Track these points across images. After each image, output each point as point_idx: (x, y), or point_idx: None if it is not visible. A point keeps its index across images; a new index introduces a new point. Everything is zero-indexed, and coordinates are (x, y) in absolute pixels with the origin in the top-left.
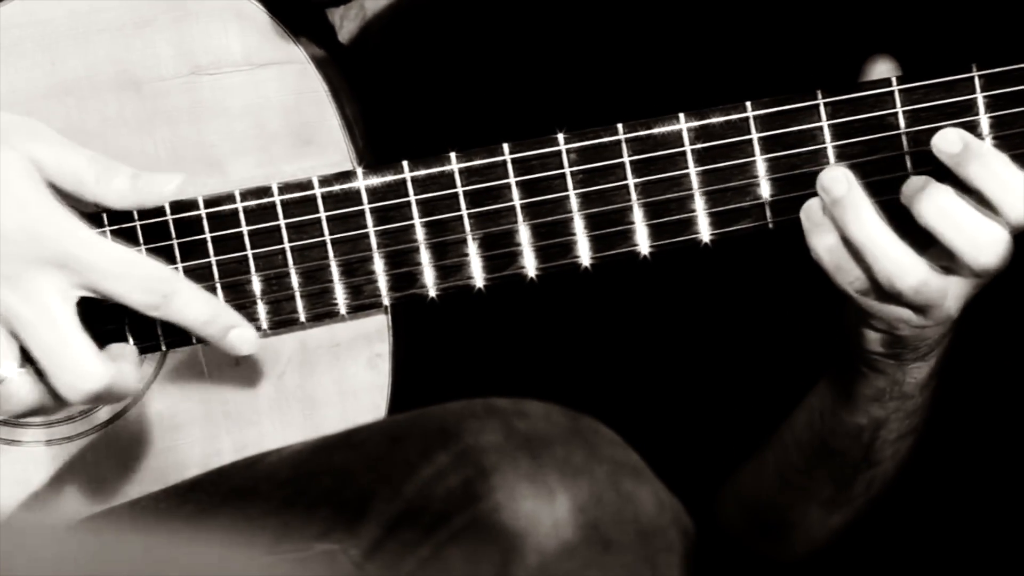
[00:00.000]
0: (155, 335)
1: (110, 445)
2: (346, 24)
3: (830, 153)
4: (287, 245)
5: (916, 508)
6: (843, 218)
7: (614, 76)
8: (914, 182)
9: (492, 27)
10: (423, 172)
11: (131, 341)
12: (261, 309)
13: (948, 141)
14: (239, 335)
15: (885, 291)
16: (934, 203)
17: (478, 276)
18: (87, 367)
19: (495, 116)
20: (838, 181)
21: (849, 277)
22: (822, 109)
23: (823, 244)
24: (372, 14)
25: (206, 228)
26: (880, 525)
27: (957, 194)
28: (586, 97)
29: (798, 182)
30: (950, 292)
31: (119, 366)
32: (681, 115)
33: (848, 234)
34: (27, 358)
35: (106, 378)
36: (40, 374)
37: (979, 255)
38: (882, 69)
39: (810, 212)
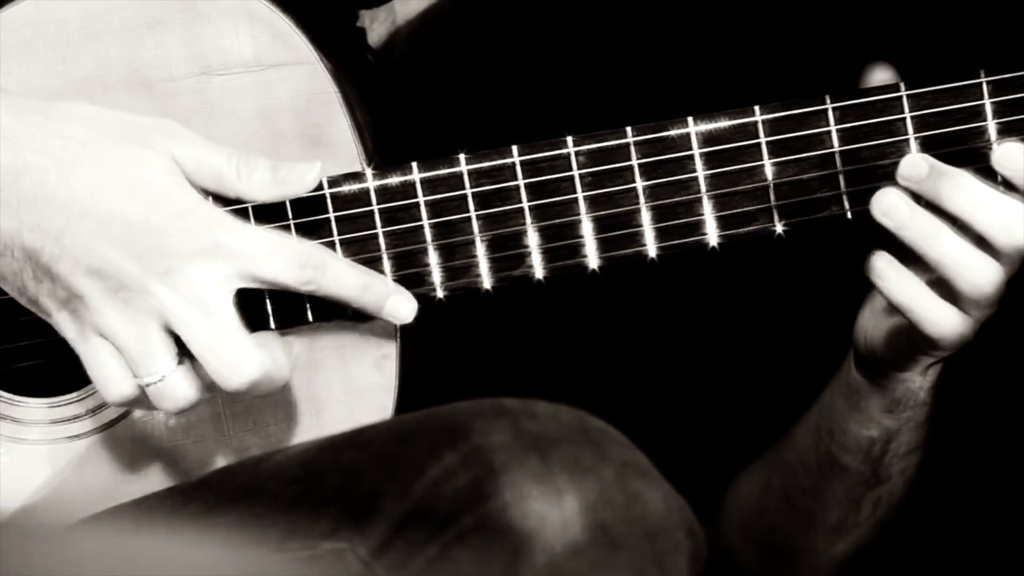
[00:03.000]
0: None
1: (115, 444)
2: (376, 27)
3: (837, 158)
4: None
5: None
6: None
7: (623, 80)
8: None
9: (509, 31)
10: (432, 173)
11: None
12: (269, 309)
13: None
14: (397, 302)
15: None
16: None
17: (486, 277)
18: (244, 356)
19: (507, 118)
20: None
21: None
22: (830, 114)
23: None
24: (402, 20)
25: None
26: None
27: (979, 178)
28: (595, 100)
29: (806, 186)
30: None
31: (272, 354)
32: (690, 119)
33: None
34: (184, 354)
35: (264, 365)
36: (196, 368)
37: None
38: (881, 77)
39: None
